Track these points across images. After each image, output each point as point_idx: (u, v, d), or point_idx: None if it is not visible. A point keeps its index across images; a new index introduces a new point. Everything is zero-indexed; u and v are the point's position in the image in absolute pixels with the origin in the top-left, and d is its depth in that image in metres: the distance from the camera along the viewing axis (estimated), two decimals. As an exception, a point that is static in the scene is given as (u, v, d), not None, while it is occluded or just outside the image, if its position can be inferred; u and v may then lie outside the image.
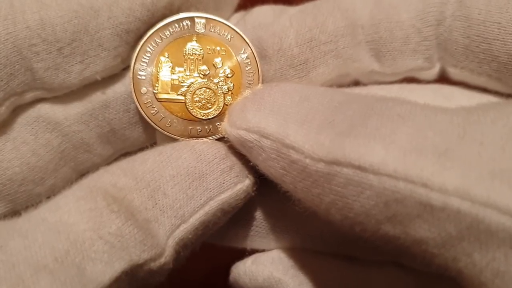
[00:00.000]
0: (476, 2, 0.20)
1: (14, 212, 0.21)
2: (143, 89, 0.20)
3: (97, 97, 0.21)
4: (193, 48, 0.20)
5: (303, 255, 0.21)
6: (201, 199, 0.18)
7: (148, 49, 0.20)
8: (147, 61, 0.20)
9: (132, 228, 0.16)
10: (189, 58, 0.20)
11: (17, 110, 0.20)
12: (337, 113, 0.16)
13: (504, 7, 0.19)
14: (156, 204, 0.17)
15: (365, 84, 0.22)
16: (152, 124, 0.20)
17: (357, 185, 0.14)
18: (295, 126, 0.16)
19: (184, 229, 0.17)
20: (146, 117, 0.20)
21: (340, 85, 0.22)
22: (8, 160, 0.20)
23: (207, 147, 0.19)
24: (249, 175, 0.19)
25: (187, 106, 0.20)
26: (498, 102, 0.18)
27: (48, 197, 0.21)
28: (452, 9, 0.20)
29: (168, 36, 0.20)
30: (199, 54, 0.20)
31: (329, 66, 0.21)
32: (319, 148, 0.15)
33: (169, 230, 0.17)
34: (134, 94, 0.20)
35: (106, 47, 0.19)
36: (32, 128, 0.20)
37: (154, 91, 0.20)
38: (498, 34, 0.19)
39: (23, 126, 0.20)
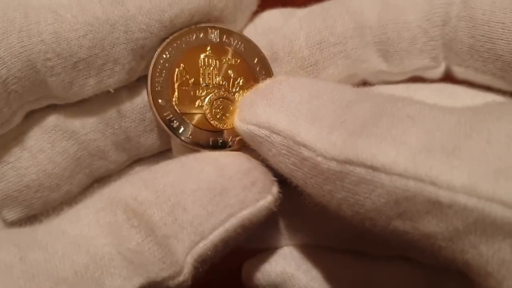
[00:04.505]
0: (481, 3, 0.20)
1: (29, 218, 0.21)
2: (162, 101, 0.19)
3: (113, 107, 0.21)
4: (208, 59, 0.20)
5: (315, 251, 0.22)
6: (221, 216, 0.17)
7: (164, 61, 0.20)
8: (163, 73, 0.20)
9: (151, 244, 0.16)
10: (205, 69, 0.20)
11: (34, 119, 0.20)
12: (348, 112, 0.16)
13: (508, 8, 0.20)
14: (176, 219, 0.17)
15: (372, 84, 0.23)
16: (174, 136, 0.20)
17: (369, 183, 0.15)
18: (306, 123, 0.17)
19: (203, 245, 0.17)
20: (167, 130, 0.20)
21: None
22: (25, 167, 0.20)
23: (230, 160, 0.18)
24: (272, 190, 0.19)
25: (207, 117, 0.20)
26: (504, 102, 0.19)
27: (63, 203, 0.21)
28: (457, 10, 0.21)
29: (183, 46, 0.20)
30: (214, 65, 0.20)
31: (338, 67, 0.22)
32: (331, 147, 0.16)
33: (188, 247, 0.17)
34: (154, 107, 0.19)
35: (120, 61, 0.19)
36: (49, 137, 0.21)
37: (173, 103, 0.20)
38: (502, 34, 0.20)
39: (40, 135, 0.20)
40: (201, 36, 0.20)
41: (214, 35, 0.20)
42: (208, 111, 0.20)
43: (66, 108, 0.21)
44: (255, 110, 0.18)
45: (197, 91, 0.20)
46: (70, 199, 0.22)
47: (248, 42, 0.21)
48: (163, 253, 0.16)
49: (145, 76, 0.20)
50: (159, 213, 0.16)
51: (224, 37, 0.20)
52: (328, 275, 0.21)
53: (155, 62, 0.19)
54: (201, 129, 0.20)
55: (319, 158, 0.16)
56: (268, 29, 0.22)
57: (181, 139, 0.20)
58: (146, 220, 0.16)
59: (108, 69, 0.19)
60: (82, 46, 0.18)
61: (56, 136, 0.21)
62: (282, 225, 0.22)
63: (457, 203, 0.14)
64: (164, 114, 0.20)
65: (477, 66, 0.21)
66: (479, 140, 0.14)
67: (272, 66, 0.21)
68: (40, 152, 0.20)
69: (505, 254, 0.13)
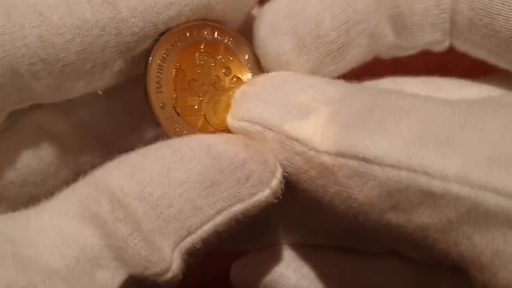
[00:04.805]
0: None
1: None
2: (162, 104, 0.19)
3: (99, 105, 0.21)
4: (203, 57, 0.20)
5: (304, 250, 0.22)
6: (211, 210, 0.16)
7: (161, 61, 0.19)
8: (161, 74, 0.19)
9: (137, 240, 0.15)
10: (201, 68, 0.20)
11: (17, 116, 0.20)
12: (342, 106, 0.16)
13: None
14: (162, 213, 0.16)
15: (384, 59, 0.23)
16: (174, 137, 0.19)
17: (362, 176, 0.15)
18: (298, 118, 0.17)
19: (191, 240, 0.16)
20: (170, 134, 0.19)
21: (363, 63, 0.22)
22: (9, 163, 0.20)
23: (225, 149, 0.17)
24: (271, 183, 0.17)
25: (207, 118, 0.19)
26: (498, 95, 0.18)
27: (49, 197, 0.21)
28: None
29: (178, 44, 0.19)
30: (209, 64, 0.20)
31: (362, 47, 0.21)
32: (324, 141, 0.16)
33: (174, 242, 0.16)
34: (155, 110, 0.18)
35: (110, 64, 0.18)
36: (34, 132, 0.20)
37: (174, 105, 0.19)
38: (502, 9, 0.19)
39: (25, 131, 0.20)
40: (194, 33, 0.19)
41: (207, 32, 0.20)
42: (207, 111, 0.19)
43: (50, 105, 0.20)
44: (248, 106, 0.18)
45: (195, 91, 0.19)
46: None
47: (239, 39, 0.20)
48: (149, 250, 0.15)
49: (135, 75, 0.19)
50: (144, 207, 0.16)
51: (216, 33, 0.20)
52: (318, 273, 0.21)
53: (152, 63, 0.18)
54: (202, 130, 0.19)
55: (312, 152, 0.16)
56: (289, 12, 0.20)
57: None
58: (131, 213, 0.16)
59: (97, 72, 0.18)
60: (69, 50, 0.17)
61: (40, 131, 0.20)
62: (272, 224, 0.22)
63: (449, 193, 0.14)
64: (166, 118, 0.19)
65: (475, 40, 0.21)
66: (473, 129, 0.14)
67: (299, 53, 0.20)
68: (24, 148, 0.20)
69: (499, 244, 0.13)
